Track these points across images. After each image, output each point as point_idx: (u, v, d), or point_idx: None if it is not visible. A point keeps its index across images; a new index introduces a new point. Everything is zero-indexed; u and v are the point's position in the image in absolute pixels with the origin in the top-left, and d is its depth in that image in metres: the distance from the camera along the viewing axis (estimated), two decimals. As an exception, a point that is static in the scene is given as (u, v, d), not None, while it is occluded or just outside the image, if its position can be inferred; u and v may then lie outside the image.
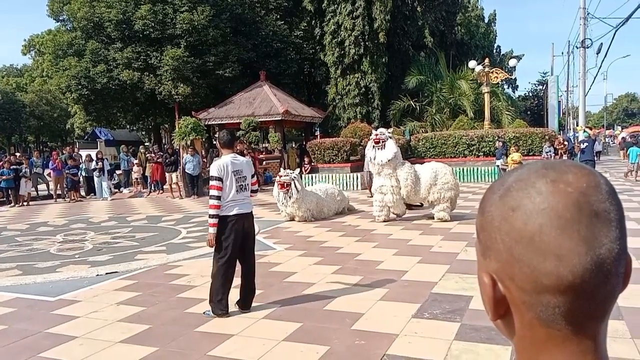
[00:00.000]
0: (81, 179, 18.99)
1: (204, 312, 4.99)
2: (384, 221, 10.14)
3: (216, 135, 5.24)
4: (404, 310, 4.83)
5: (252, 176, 5.22)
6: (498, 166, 16.53)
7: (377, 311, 4.89)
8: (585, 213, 0.54)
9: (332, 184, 15.07)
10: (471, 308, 4.78)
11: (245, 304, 5.07)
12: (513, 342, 0.63)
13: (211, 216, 4.91)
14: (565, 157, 17.88)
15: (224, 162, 4.97)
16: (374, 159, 9.97)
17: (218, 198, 4.88)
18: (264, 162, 21.61)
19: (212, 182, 4.94)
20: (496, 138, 17.98)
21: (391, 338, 4.17)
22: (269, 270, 6.71)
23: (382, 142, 9.89)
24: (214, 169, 4.96)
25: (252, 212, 5.17)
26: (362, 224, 10.21)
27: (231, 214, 4.91)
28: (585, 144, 14.98)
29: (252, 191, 5.27)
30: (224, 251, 4.91)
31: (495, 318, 0.61)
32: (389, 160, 9.75)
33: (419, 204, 12.11)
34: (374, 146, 9.99)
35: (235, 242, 4.92)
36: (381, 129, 10.28)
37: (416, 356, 3.81)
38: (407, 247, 7.79)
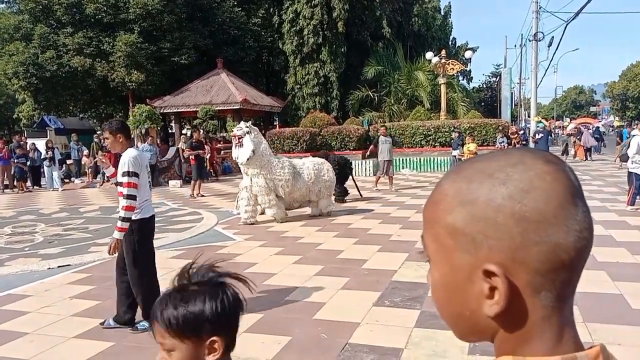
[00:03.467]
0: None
1: (139, 323, 4.39)
2: (251, 224, 9.18)
3: (108, 125, 4.34)
4: (365, 299, 4.86)
5: None
6: (455, 156, 16.89)
7: (338, 300, 4.90)
8: (575, 185, 0.59)
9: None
10: (430, 295, 4.85)
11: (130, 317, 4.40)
12: (497, 336, 0.61)
13: (125, 219, 4.14)
14: (518, 146, 18.41)
15: (138, 154, 4.33)
16: (237, 159, 9.11)
17: (135, 198, 4.19)
18: (222, 152, 21.34)
19: (129, 179, 4.17)
20: (452, 129, 18.32)
21: (353, 327, 4.19)
22: (229, 262, 6.62)
23: (240, 139, 8.88)
24: (130, 163, 4.22)
25: None
26: (322, 214, 10.21)
27: (148, 215, 4.38)
28: (541, 134, 15.46)
29: None
30: (147, 258, 4.40)
31: (503, 310, 0.57)
32: (248, 159, 8.80)
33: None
34: (236, 144, 8.99)
35: (152, 246, 4.49)
36: (240, 124, 9.25)
37: (378, 344, 3.84)
38: (367, 236, 7.85)
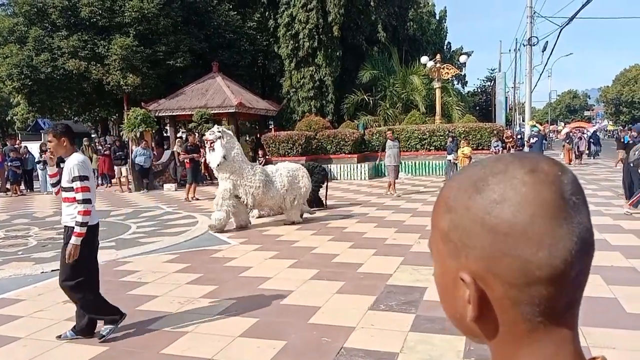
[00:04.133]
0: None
1: (102, 335, 4.20)
2: (220, 231, 8.90)
3: (52, 129, 4.15)
4: (360, 303, 4.86)
5: None
6: (450, 160, 16.91)
7: (333, 304, 4.89)
8: (566, 199, 0.56)
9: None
10: (425, 299, 4.86)
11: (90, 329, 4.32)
12: (489, 342, 0.61)
13: (83, 224, 4.05)
14: (512, 151, 18.51)
15: (84, 159, 4.24)
16: (209, 163, 9.13)
17: (90, 201, 4.13)
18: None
19: (81, 183, 4.09)
20: (447, 133, 18.36)
21: (348, 331, 4.18)
22: (224, 265, 6.62)
23: (212, 143, 8.81)
24: (78, 168, 4.11)
25: None
26: (317, 218, 10.21)
27: (94, 223, 4.23)
28: (535, 139, 15.58)
29: None
30: (92, 266, 4.28)
31: (476, 318, 0.58)
32: (218, 165, 8.78)
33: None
34: (209, 148, 8.95)
35: (96, 254, 4.35)
36: (213, 128, 9.11)
37: (373, 348, 3.83)
38: (362, 240, 7.84)
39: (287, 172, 9.46)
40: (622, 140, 20.77)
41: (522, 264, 0.54)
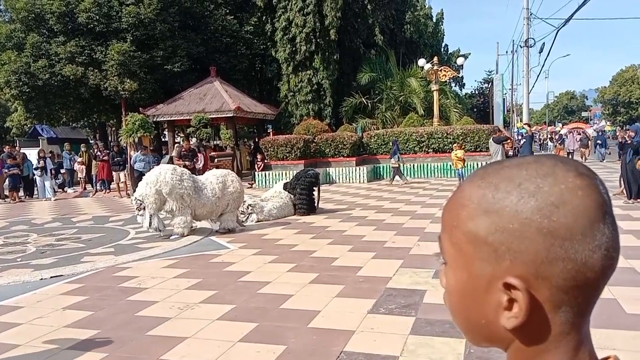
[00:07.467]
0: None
1: None
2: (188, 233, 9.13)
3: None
4: (359, 306, 4.85)
5: None
6: (392, 164, 17.14)
7: (333, 308, 4.88)
8: (605, 200, 0.57)
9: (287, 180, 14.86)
10: (425, 302, 4.85)
11: None
12: (510, 346, 0.60)
13: None
14: (511, 152, 18.54)
15: None
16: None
17: None
18: (216, 160, 21.31)
19: None
20: (445, 135, 18.39)
21: (348, 335, 4.17)
22: (223, 270, 6.61)
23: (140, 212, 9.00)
24: None
25: None
26: (316, 221, 10.21)
27: None
28: (523, 140, 15.79)
29: None
30: None
31: (522, 323, 0.56)
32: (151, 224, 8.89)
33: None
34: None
35: None
36: (133, 200, 9.07)
37: (373, 352, 3.83)
38: (362, 243, 7.84)
39: (217, 178, 9.28)
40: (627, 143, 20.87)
41: (577, 267, 0.54)
